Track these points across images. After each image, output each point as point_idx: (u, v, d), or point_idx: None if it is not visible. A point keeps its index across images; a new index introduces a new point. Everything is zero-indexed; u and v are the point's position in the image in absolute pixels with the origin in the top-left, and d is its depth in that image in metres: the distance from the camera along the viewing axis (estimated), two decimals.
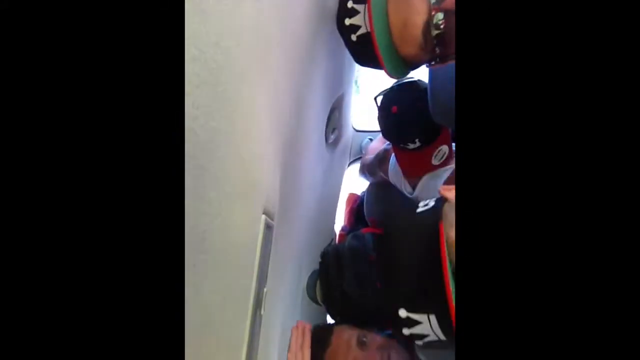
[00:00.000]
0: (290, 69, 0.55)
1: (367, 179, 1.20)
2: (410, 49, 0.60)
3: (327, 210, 1.22)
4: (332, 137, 1.10)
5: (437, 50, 0.58)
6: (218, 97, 0.31)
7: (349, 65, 0.95)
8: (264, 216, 0.45)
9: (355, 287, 0.85)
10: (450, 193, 0.46)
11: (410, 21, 0.57)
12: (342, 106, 1.03)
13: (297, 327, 0.76)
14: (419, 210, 0.48)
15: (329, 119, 1.02)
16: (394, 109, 0.84)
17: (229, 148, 0.34)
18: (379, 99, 0.90)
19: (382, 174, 1.07)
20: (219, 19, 0.30)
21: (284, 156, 0.58)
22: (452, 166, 0.84)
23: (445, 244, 0.39)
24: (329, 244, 1.00)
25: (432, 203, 0.47)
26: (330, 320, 1.09)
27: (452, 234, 0.40)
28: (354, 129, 1.30)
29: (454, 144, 0.91)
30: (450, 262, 0.39)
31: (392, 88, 0.89)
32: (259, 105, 0.42)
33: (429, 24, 0.56)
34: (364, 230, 0.93)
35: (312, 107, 0.75)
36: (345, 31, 0.65)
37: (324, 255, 0.95)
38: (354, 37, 0.63)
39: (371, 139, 1.30)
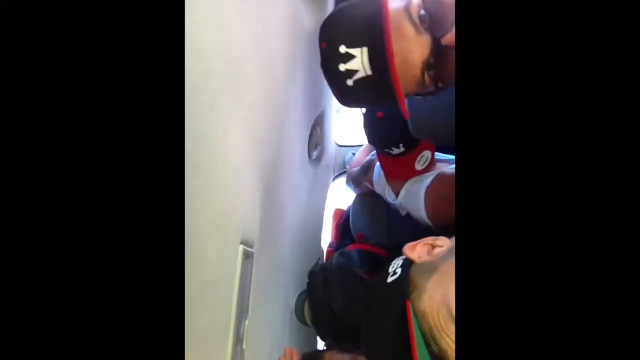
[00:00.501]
0: (268, 89, 0.53)
1: (354, 190, 1.19)
2: (413, 87, 0.58)
3: (313, 227, 1.20)
4: (315, 153, 1.08)
5: (440, 85, 0.58)
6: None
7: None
8: (241, 246, 0.43)
9: (344, 306, 0.83)
10: (414, 253, 0.45)
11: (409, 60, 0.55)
12: (323, 122, 1.02)
13: (285, 355, 0.73)
14: (389, 280, 0.45)
15: (310, 135, 1.00)
16: (379, 114, 0.84)
17: (197, 180, 0.32)
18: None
19: (367, 183, 1.06)
20: (185, 43, 0.28)
21: (265, 177, 0.56)
22: (434, 171, 0.84)
23: (413, 324, 0.39)
24: (316, 263, 0.98)
25: (399, 270, 0.45)
26: (320, 342, 1.06)
27: (422, 304, 0.39)
28: (337, 144, 1.29)
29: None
30: (422, 333, 0.38)
31: None
32: (232, 132, 0.40)
33: (428, 62, 0.55)
34: (350, 247, 0.91)
35: (293, 125, 0.73)
36: (337, 76, 0.59)
37: (311, 274, 0.93)
38: (349, 82, 0.58)
39: (354, 154, 1.30)
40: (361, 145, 1.27)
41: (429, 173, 0.83)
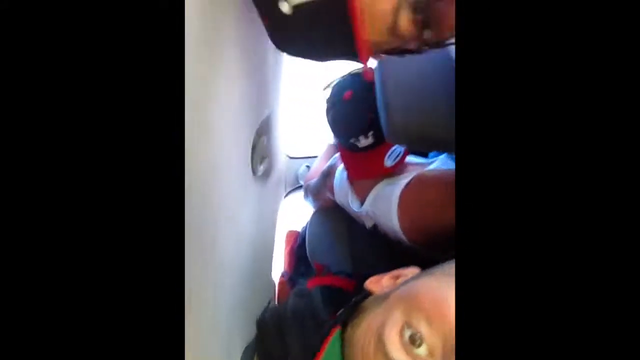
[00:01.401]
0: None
1: (312, 204, 1.02)
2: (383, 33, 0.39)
3: (262, 256, 1.02)
4: (261, 169, 0.90)
5: (426, 34, 0.39)
6: None
7: (273, 80, 0.77)
8: None
9: (302, 356, 0.65)
10: (378, 287, 0.41)
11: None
12: (270, 130, 0.84)
13: None
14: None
15: (254, 147, 0.83)
16: (348, 94, 0.70)
17: None
18: (329, 89, 0.75)
19: (327, 192, 0.89)
20: None
21: (194, 208, 0.38)
22: (409, 173, 0.69)
23: (327, 349, 0.39)
24: (267, 307, 0.79)
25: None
26: None
27: (357, 332, 0.38)
28: (288, 156, 1.11)
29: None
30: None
31: (344, 77, 0.75)
32: None
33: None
34: (310, 284, 0.74)
35: (226, 137, 0.55)
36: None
37: (261, 324, 0.74)
38: (285, 7, 0.39)
39: (309, 166, 1.13)
40: (316, 157, 1.10)
41: (402, 175, 0.69)
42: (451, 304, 0.32)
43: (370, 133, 0.69)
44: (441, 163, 0.73)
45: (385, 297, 0.40)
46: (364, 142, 0.70)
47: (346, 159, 0.78)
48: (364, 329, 0.38)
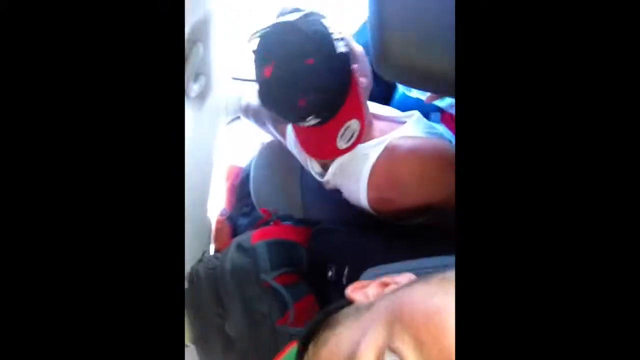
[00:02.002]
0: None
1: (262, 128, 0.84)
2: None
3: (196, 193, 0.87)
4: (195, 88, 0.72)
5: None
6: None
7: None
8: None
9: (243, 327, 0.55)
10: (361, 295, 0.33)
11: None
12: (207, 38, 0.65)
13: None
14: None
15: (186, 58, 0.63)
16: (267, 70, 0.52)
17: None
18: (255, 43, 0.55)
19: (278, 134, 0.74)
20: None
21: None
22: (379, 140, 0.56)
23: None
24: (201, 258, 0.66)
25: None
26: None
27: (322, 351, 0.30)
28: (232, 77, 0.91)
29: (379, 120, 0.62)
30: None
31: (269, 30, 0.54)
32: None
33: None
34: (254, 236, 0.61)
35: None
36: None
37: (193, 278, 0.61)
38: None
39: None
40: None
41: (370, 143, 0.55)
42: (450, 319, 0.24)
43: (310, 115, 0.53)
44: (414, 123, 0.60)
45: (366, 308, 0.31)
46: (307, 123, 0.55)
47: (297, 133, 0.61)
48: (331, 349, 0.30)
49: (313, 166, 0.64)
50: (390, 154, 0.54)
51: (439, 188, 0.51)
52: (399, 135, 0.56)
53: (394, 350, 0.24)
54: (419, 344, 0.24)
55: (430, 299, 0.26)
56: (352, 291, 0.34)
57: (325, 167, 0.62)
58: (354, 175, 0.56)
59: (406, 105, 0.73)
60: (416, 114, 0.63)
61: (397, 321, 0.26)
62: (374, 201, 0.56)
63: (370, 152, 0.55)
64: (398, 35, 0.36)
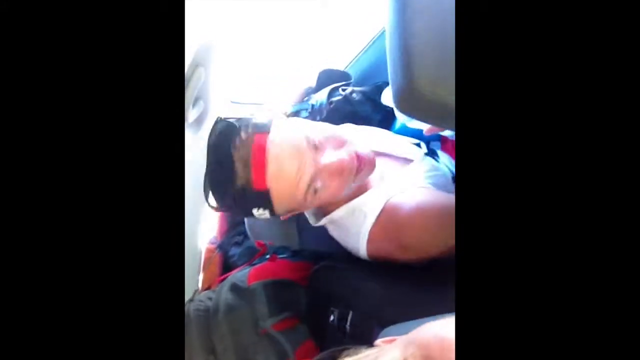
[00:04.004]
0: None
1: None
2: None
3: (189, 220, 0.82)
4: (194, 112, 0.69)
5: None
6: None
7: None
8: None
9: None
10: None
11: None
12: (208, 62, 0.63)
13: None
14: None
15: (187, 81, 0.61)
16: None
17: None
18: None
19: None
20: None
21: None
22: (377, 197, 0.53)
23: None
24: (191, 297, 0.61)
25: None
26: None
27: None
28: (231, 101, 0.89)
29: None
30: None
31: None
32: None
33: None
34: (251, 276, 0.57)
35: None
36: None
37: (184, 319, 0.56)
38: None
39: None
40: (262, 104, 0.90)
41: (369, 197, 0.52)
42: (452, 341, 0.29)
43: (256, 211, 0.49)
44: (418, 166, 0.57)
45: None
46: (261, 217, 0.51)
47: None
48: None
49: (308, 215, 0.60)
50: (390, 215, 0.50)
51: (441, 244, 0.48)
52: (399, 189, 0.53)
53: None
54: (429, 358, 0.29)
55: (442, 328, 0.31)
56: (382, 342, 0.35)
57: (319, 215, 0.58)
58: (352, 232, 0.53)
59: (406, 134, 0.71)
60: (421, 152, 0.61)
61: (411, 344, 0.31)
62: (374, 255, 0.52)
63: (368, 211, 0.52)
64: (424, 68, 0.33)
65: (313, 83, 0.90)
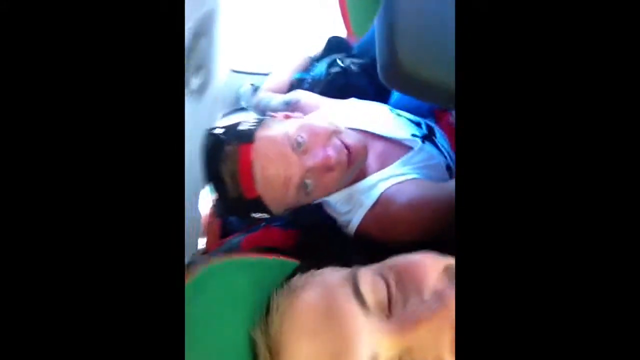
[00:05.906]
0: None
1: None
2: None
3: (188, 186, 0.85)
4: (196, 81, 0.69)
5: None
6: None
7: None
8: None
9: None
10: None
11: None
12: (211, 31, 0.63)
13: None
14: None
15: (189, 51, 0.61)
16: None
17: None
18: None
19: None
20: None
21: None
22: (375, 184, 0.55)
23: None
24: (190, 258, 0.64)
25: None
26: None
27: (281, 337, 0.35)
28: (232, 69, 0.89)
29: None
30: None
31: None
32: None
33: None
34: (246, 242, 0.60)
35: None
36: None
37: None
38: None
39: (254, 85, 0.93)
40: (267, 74, 0.90)
41: (367, 184, 0.54)
42: (430, 270, 0.34)
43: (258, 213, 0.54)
44: (414, 156, 0.59)
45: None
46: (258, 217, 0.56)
47: None
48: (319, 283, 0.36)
49: None
50: (383, 208, 0.53)
51: (431, 233, 0.50)
52: (396, 179, 0.54)
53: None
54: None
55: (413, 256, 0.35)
56: None
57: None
58: (344, 213, 0.56)
59: (404, 103, 0.72)
60: (420, 136, 0.62)
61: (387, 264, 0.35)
62: (361, 237, 0.55)
63: (364, 199, 0.54)
64: (408, 46, 0.35)
65: (319, 51, 0.90)
